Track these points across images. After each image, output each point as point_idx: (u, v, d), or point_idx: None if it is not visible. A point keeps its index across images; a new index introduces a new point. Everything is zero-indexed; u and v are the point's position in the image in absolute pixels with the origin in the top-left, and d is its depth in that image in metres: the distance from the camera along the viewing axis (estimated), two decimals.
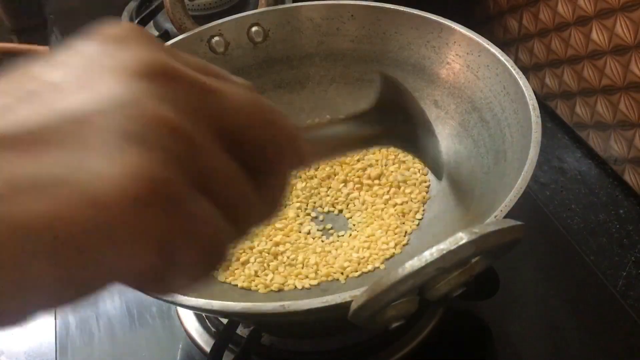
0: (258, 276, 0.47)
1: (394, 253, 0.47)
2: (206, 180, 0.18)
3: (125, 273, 0.17)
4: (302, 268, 0.47)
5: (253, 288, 0.46)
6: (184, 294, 0.33)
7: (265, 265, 0.47)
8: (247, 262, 0.48)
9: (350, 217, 0.51)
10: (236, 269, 0.47)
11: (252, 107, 0.20)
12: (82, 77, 0.18)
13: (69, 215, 0.15)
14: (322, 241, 0.49)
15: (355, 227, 0.50)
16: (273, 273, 0.47)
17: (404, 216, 0.50)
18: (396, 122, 0.36)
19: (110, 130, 0.16)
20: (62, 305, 0.16)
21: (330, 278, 0.46)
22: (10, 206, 0.15)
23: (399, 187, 0.52)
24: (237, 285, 0.46)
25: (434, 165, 0.42)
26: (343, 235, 0.50)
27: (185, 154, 0.17)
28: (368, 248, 0.48)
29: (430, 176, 0.52)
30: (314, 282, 0.46)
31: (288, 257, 0.48)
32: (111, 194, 0.15)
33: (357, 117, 0.33)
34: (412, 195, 0.51)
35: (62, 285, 0.16)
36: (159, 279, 0.17)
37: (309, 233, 0.50)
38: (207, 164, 0.18)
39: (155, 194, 0.16)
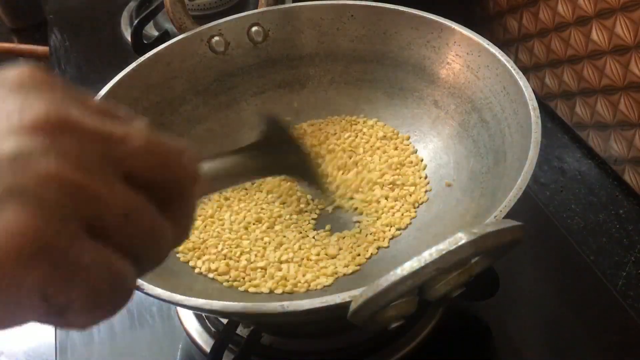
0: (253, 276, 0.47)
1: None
2: (104, 225, 0.19)
3: (16, 321, 0.18)
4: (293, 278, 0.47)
5: (250, 290, 0.46)
6: (183, 294, 0.34)
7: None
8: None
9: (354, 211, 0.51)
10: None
11: (150, 150, 0.21)
12: None
13: None
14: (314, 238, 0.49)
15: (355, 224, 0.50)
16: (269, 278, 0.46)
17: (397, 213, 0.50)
18: (282, 153, 0.41)
19: None
20: None
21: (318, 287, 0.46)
22: None
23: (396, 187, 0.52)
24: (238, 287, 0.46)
25: (320, 188, 0.46)
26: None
27: (75, 204, 0.18)
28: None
29: (430, 178, 0.52)
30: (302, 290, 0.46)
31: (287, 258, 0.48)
32: None
33: (246, 149, 0.37)
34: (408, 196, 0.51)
35: None
36: (57, 320, 0.19)
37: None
38: (103, 210, 0.19)
39: (33, 248, 0.17)
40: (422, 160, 0.54)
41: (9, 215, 0.17)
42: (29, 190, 0.17)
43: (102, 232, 0.19)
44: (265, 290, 0.45)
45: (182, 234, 0.23)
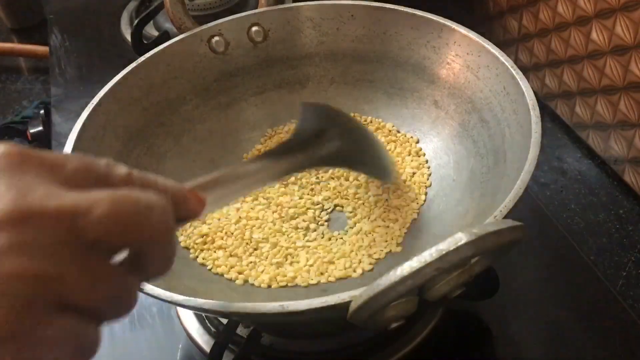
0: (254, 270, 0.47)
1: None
2: (70, 298, 0.20)
3: None
4: (301, 266, 0.47)
5: (251, 282, 0.46)
6: (183, 294, 0.33)
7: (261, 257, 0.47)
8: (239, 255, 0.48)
9: (349, 214, 0.51)
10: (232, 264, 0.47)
11: (113, 217, 0.21)
12: None
13: None
14: (319, 238, 0.49)
15: (352, 226, 0.50)
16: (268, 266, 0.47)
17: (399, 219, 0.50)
18: (318, 144, 0.39)
19: None
20: None
21: (325, 280, 0.46)
22: None
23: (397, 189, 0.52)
24: (231, 279, 0.46)
25: (379, 169, 0.44)
26: (339, 235, 0.49)
27: (38, 291, 0.20)
28: (366, 247, 0.47)
29: (430, 179, 0.52)
30: (313, 282, 0.46)
31: (287, 254, 0.48)
32: None
33: (274, 152, 0.36)
34: (410, 196, 0.51)
35: None
36: None
37: (307, 230, 0.50)
38: (66, 288, 0.20)
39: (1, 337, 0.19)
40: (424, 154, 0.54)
41: None
42: None
43: (70, 304, 0.20)
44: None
45: (161, 271, 0.24)
